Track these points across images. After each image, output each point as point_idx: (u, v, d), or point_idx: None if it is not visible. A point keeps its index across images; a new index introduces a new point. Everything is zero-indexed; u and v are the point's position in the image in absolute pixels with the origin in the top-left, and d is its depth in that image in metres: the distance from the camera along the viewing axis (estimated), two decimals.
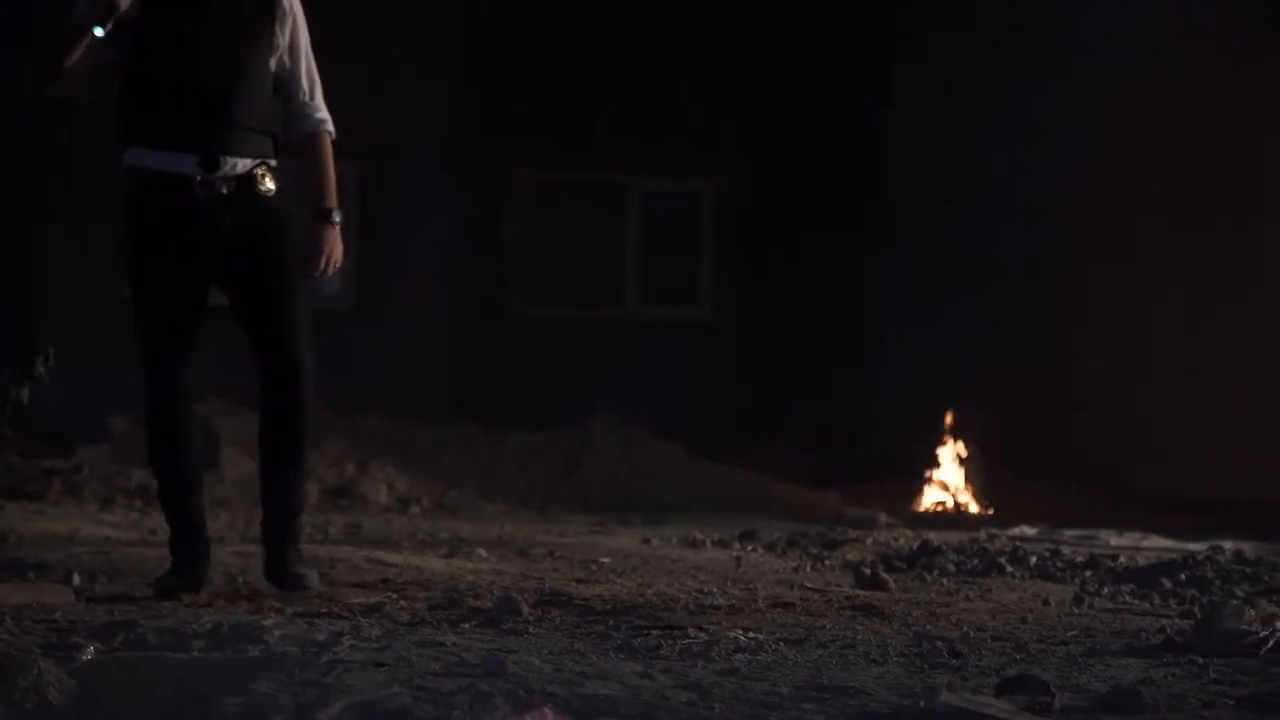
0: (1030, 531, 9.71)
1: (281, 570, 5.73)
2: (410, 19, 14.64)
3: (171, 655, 4.38)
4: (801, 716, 3.85)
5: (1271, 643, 4.83)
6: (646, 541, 8.49)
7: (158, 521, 8.98)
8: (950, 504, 12.48)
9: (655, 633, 4.96)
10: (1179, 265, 13.54)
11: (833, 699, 4.04)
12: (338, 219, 5.77)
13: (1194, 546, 8.82)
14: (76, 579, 6.08)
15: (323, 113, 5.80)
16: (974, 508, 12.35)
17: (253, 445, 10.76)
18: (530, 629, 5.08)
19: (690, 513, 10.75)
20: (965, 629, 5.28)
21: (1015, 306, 14.37)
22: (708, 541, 8.37)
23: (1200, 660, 4.67)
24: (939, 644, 4.89)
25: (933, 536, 8.27)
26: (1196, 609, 5.85)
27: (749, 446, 13.92)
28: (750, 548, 8.18)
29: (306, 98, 5.77)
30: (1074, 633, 5.27)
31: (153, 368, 5.81)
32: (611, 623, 5.21)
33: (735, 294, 15.56)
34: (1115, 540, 9.30)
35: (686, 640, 4.80)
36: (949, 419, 13.08)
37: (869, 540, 8.49)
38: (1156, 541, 9.27)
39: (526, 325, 14.25)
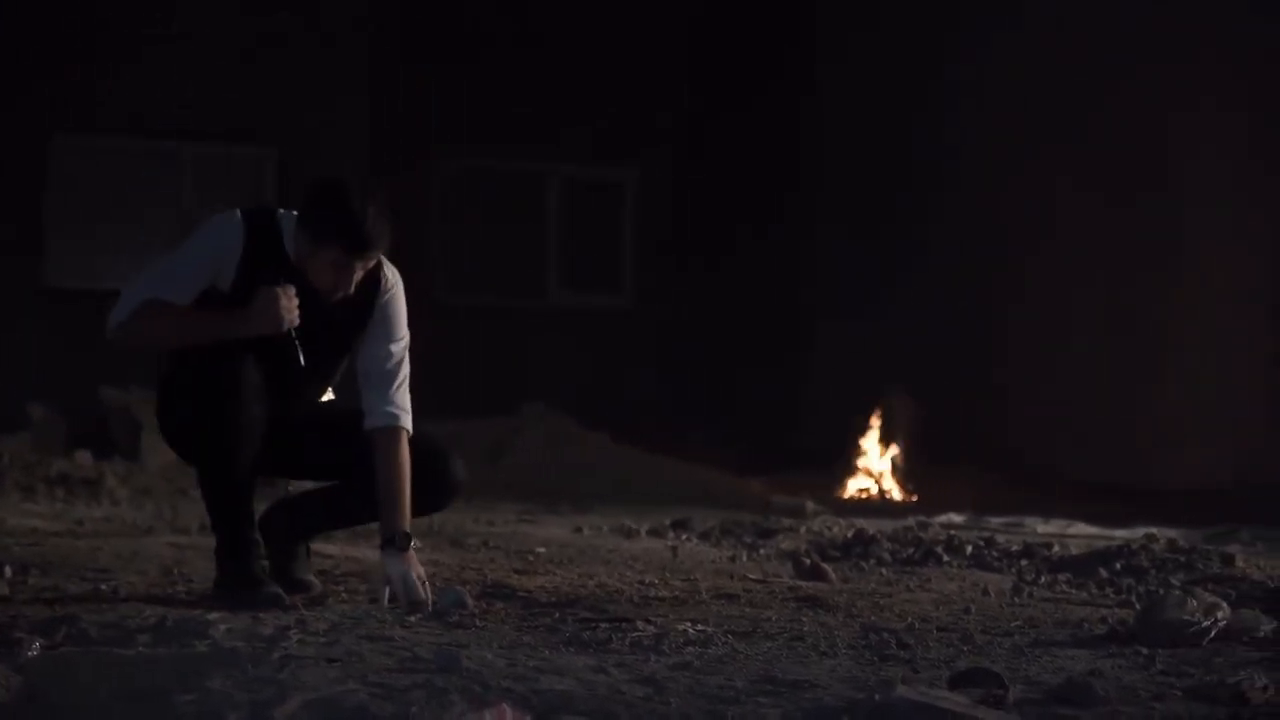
0: (958, 519, 9.78)
1: (288, 575, 5.51)
2: (329, 2, 14.59)
3: (119, 651, 4.33)
4: (758, 711, 3.85)
5: (1214, 633, 4.89)
6: (579, 531, 8.47)
7: (83, 512, 8.92)
8: (875, 491, 12.53)
9: (603, 626, 4.96)
10: (1101, 254, 13.64)
11: (788, 693, 4.05)
12: (409, 545, 5.34)
13: (1120, 534, 8.94)
14: (8, 571, 5.98)
15: (400, 409, 5.39)
16: (898, 495, 12.40)
17: None
18: (477, 622, 5.06)
19: (618, 501, 10.73)
20: (910, 620, 5.30)
21: (940, 295, 14.44)
22: (642, 531, 8.36)
23: (1145, 651, 4.72)
24: (886, 636, 4.91)
25: (866, 526, 8.29)
26: (1134, 598, 5.90)
27: (674, 434, 13.94)
28: (685, 537, 8.18)
29: (388, 390, 5.41)
30: (1017, 623, 5.31)
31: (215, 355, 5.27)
32: (557, 615, 5.21)
33: (658, 282, 15.59)
34: (1042, 527, 9.38)
35: (636, 633, 4.80)
36: (873, 406, 13.13)
37: (802, 529, 8.51)
38: (1083, 529, 9.36)
39: (449, 313, 14.18)
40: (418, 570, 5.31)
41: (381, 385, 5.41)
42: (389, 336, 5.45)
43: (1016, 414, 13.93)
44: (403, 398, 5.42)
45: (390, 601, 5.26)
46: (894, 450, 12.79)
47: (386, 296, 5.46)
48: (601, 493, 11.13)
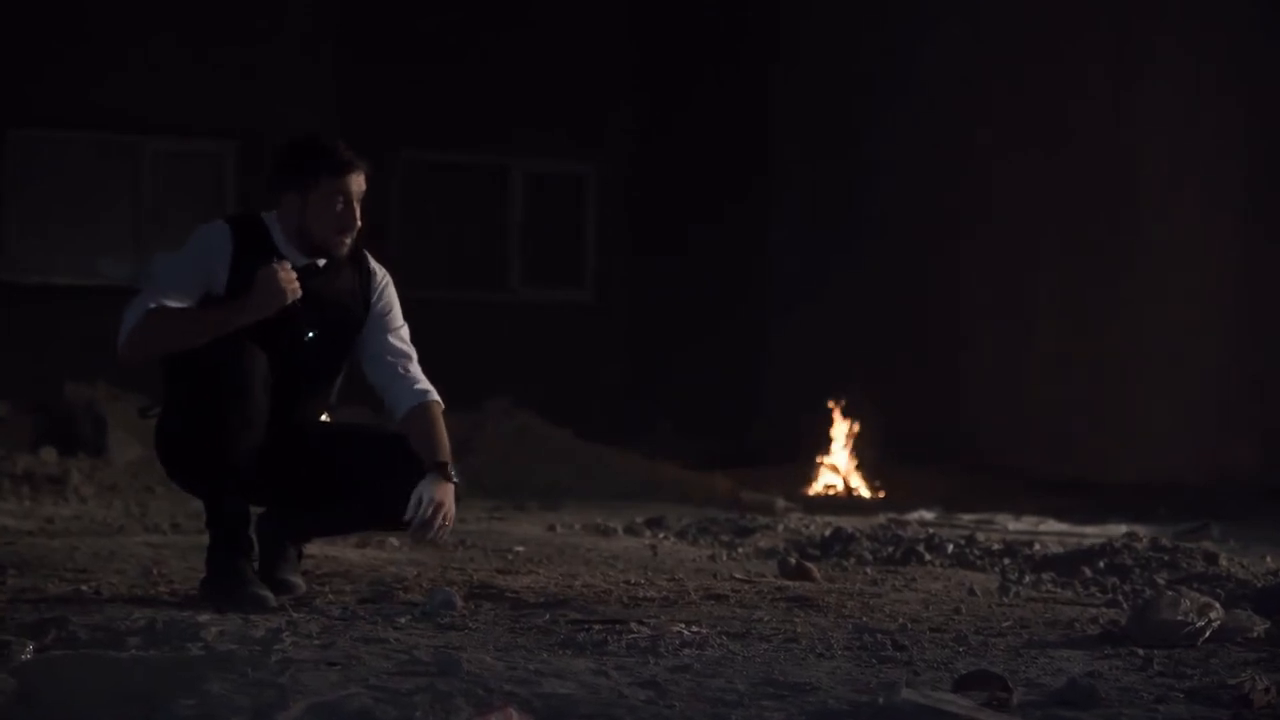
0: (929, 516, 9.77)
1: (274, 576, 5.47)
2: None
3: (114, 654, 4.29)
4: (762, 714, 3.84)
5: (1208, 633, 4.89)
6: (552, 529, 8.43)
7: (52, 510, 8.84)
8: (841, 487, 12.52)
9: (597, 627, 4.93)
10: (1058, 250, 13.68)
11: (791, 696, 4.03)
12: (455, 477, 5.38)
13: (1091, 530, 8.98)
14: None
15: (425, 384, 5.50)
16: (866, 492, 12.39)
17: (141, 430, 10.64)
18: (469, 624, 5.03)
19: (585, 497, 10.71)
20: (902, 621, 5.30)
21: (896, 291, 14.46)
22: (619, 529, 8.32)
23: (1141, 652, 4.71)
24: (880, 637, 4.90)
25: (844, 523, 8.28)
26: (1121, 597, 5.90)
27: (637, 429, 13.93)
28: (662, 535, 8.15)
29: (403, 372, 5.51)
30: (1009, 623, 5.30)
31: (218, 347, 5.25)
32: (548, 617, 5.17)
33: (620, 276, 15.56)
34: (1014, 524, 9.39)
35: (631, 635, 4.77)
36: (835, 401, 13.12)
37: (780, 527, 8.49)
38: (1054, 525, 9.37)
39: (412, 308, 14.09)
40: (448, 503, 5.31)
41: (399, 372, 5.51)
42: (391, 326, 5.56)
43: (973, 410, 13.96)
44: (422, 376, 5.53)
45: (408, 521, 5.30)
46: (857, 445, 12.77)
47: (380, 288, 5.56)
48: (569, 489, 11.10)
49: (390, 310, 5.56)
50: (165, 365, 5.29)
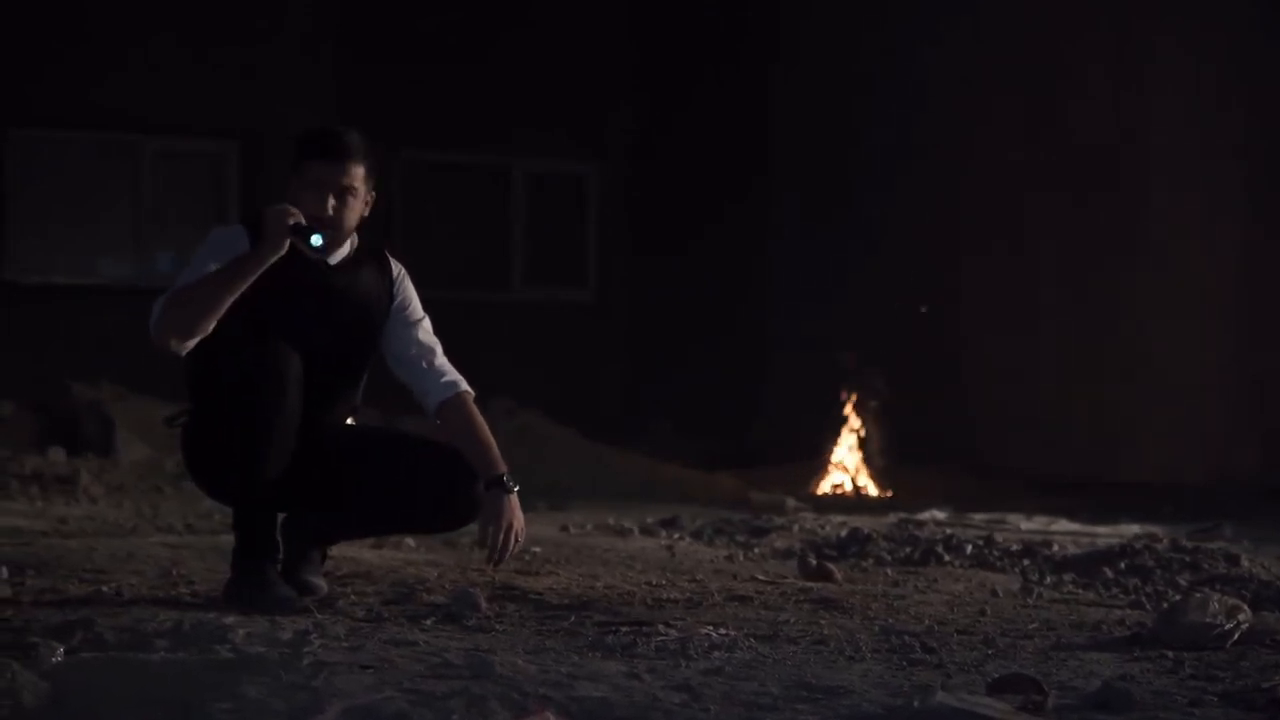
0: (941, 516, 9.75)
1: (296, 577, 5.42)
2: None
3: (144, 657, 4.28)
4: (797, 718, 3.83)
5: (1237, 635, 4.88)
6: (566, 529, 8.42)
7: (64, 510, 8.82)
8: (849, 487, 12.51)
9: (624, 629, 4.91)
10: (1063, 248, 13.68)
11: (825, 699, 4.02)
12: (514, 486, 5.32)
13: (1103, 530, 8.98)
14: (5, 572, 5.89)
15: (453, 375, 5.46)
16: (874, 491, 12.38)
17: (147, 430, 10.63)
18: (496, 626, 5.01)
19: (586, 497, 10.66)
20: (928, 622, 5.28)
21: (899, 289, 14.46)
22: (634, 529, 8.32)
23: (1171, 655, 4.70)
24: (908, 639, 4.89)
25: (860, 524, 8.27)
26: (1144, 599, 5.90)
27: (637, 429, 13.93)
28: (677, 535, 8.14)
29: (429, 366, 5.46)
30: (1034, 625, 5.29)
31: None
32: (574, 619, 5.16)
33: (620, 276, 15.56)
34: (1025, 524, 9.38)
35: (660, 638, 4.76)
36: (839, 400, 13.11)
37: (795, 528, 8.48)
38: (1065, 525, 9.36)
39: None
40: (517, 519, 5.31)
41: (426, 365, 5.47)
42: (411, 319, 5.51)
43: (974, 410, 13.95)
44: (449, 367, 5.50)
45: (481, 544, 5.39)
46: (864, 444, 12.74)
47: (398, 283, 5.53)
48: (570, 489, 11.04)
49: (409, 304, 5.52)
50: (193, 370, 5.25)
